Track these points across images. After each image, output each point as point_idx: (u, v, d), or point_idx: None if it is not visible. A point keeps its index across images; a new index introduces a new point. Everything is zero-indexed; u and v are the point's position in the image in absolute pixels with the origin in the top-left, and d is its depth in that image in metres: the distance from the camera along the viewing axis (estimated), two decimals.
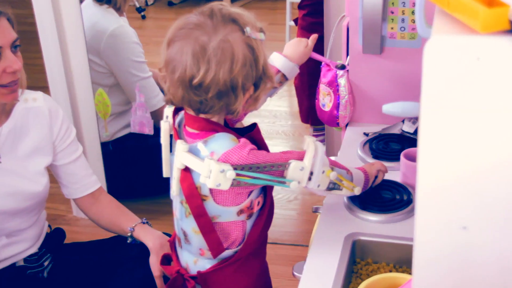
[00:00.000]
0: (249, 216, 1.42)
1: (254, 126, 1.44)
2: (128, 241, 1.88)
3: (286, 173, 1.34)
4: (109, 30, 2.70)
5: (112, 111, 2.80)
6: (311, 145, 1.36)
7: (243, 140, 1.34)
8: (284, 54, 1.69)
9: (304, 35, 3.14)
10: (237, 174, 1.29)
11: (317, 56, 1.81)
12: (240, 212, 1.40)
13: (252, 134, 1.41)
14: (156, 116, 2.74)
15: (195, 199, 1.37)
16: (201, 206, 1.38)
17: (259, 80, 1.35)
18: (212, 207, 1.39)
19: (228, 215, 1.40)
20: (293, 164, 1.33)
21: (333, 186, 1.43)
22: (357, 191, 1.49)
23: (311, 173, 1.35)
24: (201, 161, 1.31)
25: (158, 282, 1.79)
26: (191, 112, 1.38)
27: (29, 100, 1.80)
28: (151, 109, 2.77)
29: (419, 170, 0.90)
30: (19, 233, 1.84)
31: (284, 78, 1.69)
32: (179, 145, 1.36)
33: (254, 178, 1.31)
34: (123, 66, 2.75)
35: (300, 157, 1.36)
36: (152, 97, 2.76)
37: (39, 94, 1.84)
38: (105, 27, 2.70)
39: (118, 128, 2.89)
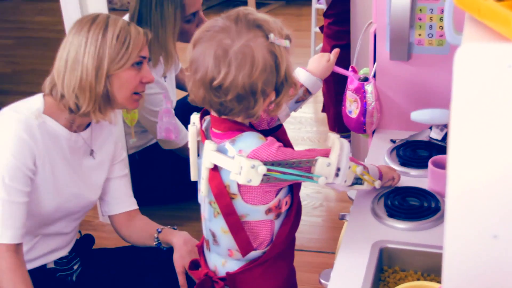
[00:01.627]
0: (277, 216, 1.43)
1: (279, 126, 1.48)
2: (154, 243, 1.90)
3: (313, 169, 1.37)
4: None
5: (138, 128, 2.81)
6: (336, 141, 1.40)
7: (270, 138, 1.37)
8: (307, 69, 1.72)
9: (330, 43, 3.15)
10: (268, 169, 1.32)
11: (339, 70, 1.82)
12: (269, 211, 1.41)
13: (277, 134, 1.44)
14: (183, 151, 2.75)
15: (223, 197, 1.39)
16: (230, 205, 1.40)
17: (281, 86, 1.36)
18: (240, 205, 1.40)
19: (257, 214, 1.42)
20: (320, 160, 1.37)
21: (355, 181, 1.49)
22: (378, 184, 1.55)
23: (338, 169, 1.39)
24: (230, 159, 1.34)
25: (181, 278, 1.80)
26: (215, 114, 1.40)
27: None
28: (176, 146, 2.78)
29: (449, 177, 0.89)
30: (58, 236, 1.87)
31: (308, 92, 1.71)
32: (208, 144, 1.38)
33: (284, 173, 1.34)
34: (143, 113, 2.74)
35: (326, 154, 1.40)
36: (178, 134, 2.76)
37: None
38: None
39: (145, 141, 2.91)
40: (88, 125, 1.84)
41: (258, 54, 1.31)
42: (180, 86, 3.06)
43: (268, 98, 1.36)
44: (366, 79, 1.86)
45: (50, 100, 1.74)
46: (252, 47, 1.30)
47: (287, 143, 1.45)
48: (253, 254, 1.46)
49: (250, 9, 1.38)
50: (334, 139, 1.40)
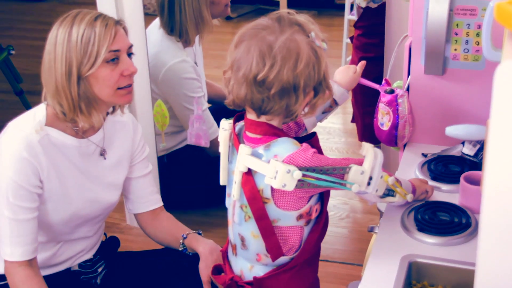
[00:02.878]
0: (307, 223, 1.44)
1: (313, 134, 1.49)
2: (180, 249, 1.90)
3: (346, 177, 1.38)
4: (169, 64, 2.72)
5: (169, 129, 2.84)
6: (370, 150, 1.40)
7: (305, 144, 1.39)
8: (334, 80, 1.73)
9: (358, 54, 3.15)
10: (303, 175, 1.33)
11: (366, 82, 1.83)
12: (300, 217, 1.42)
13: (311, 141, 1.44)
14: (211, 146, 2.77)
15: (257, 201, 1.40)
16: (263, 209, 1.41)
17: (319, 86, 1.39)
18: (272, 210, 1.41)
19: (288, 219, 1.43)
20: (354, 168, 1.38)
21: (387, 193, 1.48)
22: (410, 198, 1.54)
23: (370, 178, 1.39)
24: (265, 163, 1.35)
25: (206, 287, 1.81)
26: (253, 116, 1.41)
27: (117, 114, 1.87)
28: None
29: (485, 194, 0.89)
30: (82, 240, 1.89)
31: (335, 103, 1.73)
32: (243, 148, 1.39)
33: (318, 179, 1.35)
34: (178, 100, 2.78)
35: (359, 163, 1.40)
36: (207, 128, 2.78)
37: (125, 110, 1.92)
38: (166, 60, 2.73)
39: (174, 144, 2.93)
40: (101, 126, 1.82)
41: (303, 48, 1.35)
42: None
43: (307, 96, 1.38)
44: (392, 92, 1.84)
45: (51, 110, 1.73)
46: (297, 41, 1.35)
47: (319, 151, 1.45)
48: (281, 259, 1.47)
49: (291, 11, 1.42)
50: (368, 148, 1.41)
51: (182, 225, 1.98)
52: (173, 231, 1.95)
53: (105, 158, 1.84)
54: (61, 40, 1.66)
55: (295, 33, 1.36)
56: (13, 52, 4.03)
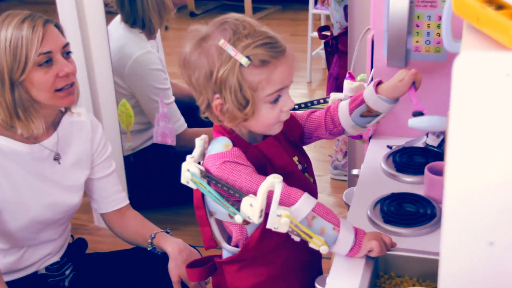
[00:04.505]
0: (247, 222, 1.37)
1: (265, 138, 1.46)
2: (149, 249, 1.89)
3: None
4: (134, 56, 2.71)
5: (134, 127, 2.82)
6: (265, 185, 1.29)
7: (233, 149, 1.38)
8: (378, 85, 1.57)
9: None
10: (192, 178, 1.37)
11: (412, 96, 1.55)
12: (231, 217, 1.39)
13: (258, 145, 1.43)
14: (178, 141, 2.76)
15: (197, 192, 1.43)
16: (200, 200, 1.45)
17: (228, 94, 1.34)
18: (210, 202, 1.44)
19: (222, 215, 1.45)
20: (245, 199, 1.31)
21: (297, 233, 1.33)
22: (323, 250, 1.34)
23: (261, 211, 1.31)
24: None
25: (176, 287, 1.80)
26: None
27: (74, 114, 1.83)
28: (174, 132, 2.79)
29: (447, 184, 0.90)
30: (47, 243, 1.86)
31: (371, 109, 1.56)
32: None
33: (208, 190, 1.37)
34: (145, 92, 2.77)
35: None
36: (173, 122, 2.77)
37: (82, 109, 1.88)
38: (131, 52, 2.72)
39: (140, 142, 2.91)
40: (55, 129, 1.80)
41: (202, 56, 1.36)
42: None
43: (215, 100, 1.37)
44: (420, 114, 1.57)
45: None
46: (201, 48, 1.36)
47: (272, 156, 1.44)
48: (235, 250, 1.48)
49: (240, 17, 1.39)
50: (267, 180, 1.30)
51: (150, 223, 1.96)
52: (140, 230, 1.94)
53: (59, 163, 1.81)
54: None
55: (204, 40, 1.36)
56: None
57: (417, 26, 1.76)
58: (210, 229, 1.46)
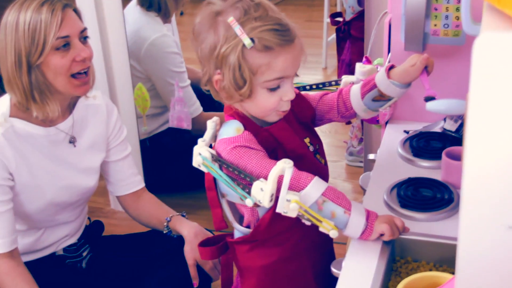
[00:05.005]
0: (257, 205, 1.37)
1: (275, 122, 1.45)
2: (165, 232, 1.90)
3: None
4: (151, 39, 2.72)
5: (150, 111, 2.82)
6: (276, 170, 1.29)
7: (244, 133, 1.39)
8: (390, 69, 1.55)
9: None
10: (204, 162, 1.37)
11: (424, 80, 1.54)
12: (242, 199, 1.39)
13: (269, 128, 1.43)
14: (194, 124, 2.77)
15: (208, 174, 1.43)
16: (211, 181, 1.45)
17: (227, 69, 1.35)
18: (221, 184, 1.44)
19: (234, 198, 1.44)
20: (256, 183, 1.31)
21: (308, 218, 1.33)
22: (332, 234, 1.32)
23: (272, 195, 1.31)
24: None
25: (192, 270, 1.81)
26: None
27: (90, 98, 1.84)
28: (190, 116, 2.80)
29: (465, 168, 0.89)
30: (64, 225, 1.88)
31: (383, 94, 1.54)
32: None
33: (219, 174, 1.37)
34: (161, 75, 2.77)
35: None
36: (189, 106, 2.77)
37: (98, 92, 1.89)
38: (147, 35, 2.72)
39: (156, 126, 2.92)
40: (71, 113, 1.81)
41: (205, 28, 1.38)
42: None
43: (215, 75, 1.38)
44: (431, 99, 1.58)
45: (14, 100, 1.70)
46: (205, 20, 1.38)
47: (283, 140, 1.44)
48: (246, 230, 1.48)
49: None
50: (277, 165, 1.29)
51: (166, 206, 1.97)
52: (156, 213, 1.95)
53: (74, 146, 1.82)
54: (10, 29, 1.63)
55: (216, 14, 1.36)
56: None
57: (435, 9, 1.74)
58: (221, 210, 1.47)
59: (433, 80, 1.84)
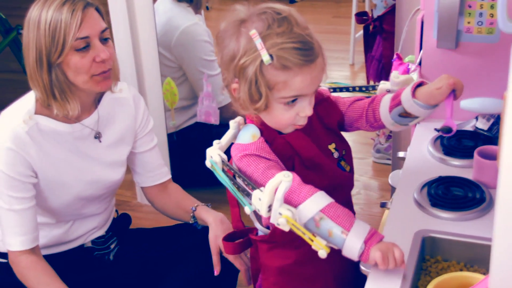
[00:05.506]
0: (256, 213, 1.36)
1: (295, 130, 1.43)
2: (190, 222, 1.91)
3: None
4: (182, 27, 2.73)
5: (179, 104, 2.83)
6: (273, 182, 1.26)
7: (258, 141, 1.38)
8: (416, 88, 1.48)
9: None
10: (211, 166, 1.39)
11: (448, 106, 1.46)
12: (243, 205, 1.39)
13: (286, 136, 1.42)
14: (222, 112, 2.77)
15: (230, 173, 1.43)
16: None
17: (243, 81, 1.34)
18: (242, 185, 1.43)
19: None
20: (255, 192, 1.29)
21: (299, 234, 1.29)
22: (321, 254, 1.27)
23: (269, 207, 1.28)
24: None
25: (215, 258, 1.81)
26: None
27: (116, 91, 1.84)
28: (218, 105, 2.80)
29: (502, 168, 0.88)
30: (92, 218, 1.89)
31: (407, 112, 1.48)
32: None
33: (224, 179, 1.38)
34: (192, 63, 2.78)
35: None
36: (219, 94, 2.78)
37: (124, 85, 1.89)
38: (178, 24, 2.74)
39: (183, 120, 2.93)
40: (96, 108, 1.80)
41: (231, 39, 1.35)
42: None
43: (231, 84, 1.37)
44: (449, 131, 1.53)
45: (38, 96, 1.71)
46: (230, 30, 1.36)
47: (300, 149, 1.41)
48: (266, 231, 1.48)
49: (293, 13, 1.36)
50: (277, 175, 1.26)
51: (191, 197, 1.98)
52: (182, 203, 1.96)
53: (100, 141, 1.82)
54: (33, 26, 1.63)
55: (239, 23, 1.34)
56: (21, 31, 4.03)
57: (469, 6, 1.72)
58: (239, 210, 1.47)
59: (465, 78, 1.82)
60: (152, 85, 2.76)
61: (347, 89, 1.73)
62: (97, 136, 1.81)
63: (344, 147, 1.52)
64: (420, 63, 1.86)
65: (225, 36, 1.37)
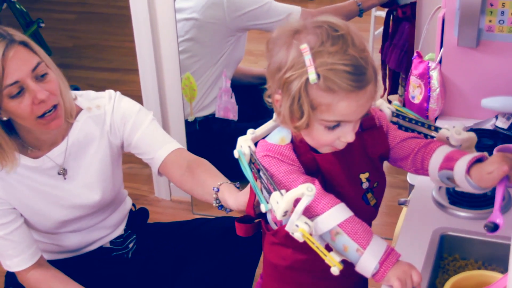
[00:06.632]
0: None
1: (328, 153, 1.35)
2: (215, 205, 1.69)
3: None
4: None
5: (198, 94, 2.82)
6: (299, 189, 1.22)
7: (285, 146, 1.32)
8: (470, 167, 1.30)
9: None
10: (239, 156, 1.35)
11: (499, 193, 1.28)
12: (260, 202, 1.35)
13: (316, 155, 1.34)
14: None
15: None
16: None
17: (289, 92, 1.25)
18: None
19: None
20: (274, 194, 1.25)
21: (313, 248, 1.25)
22: (333, 271, 1.23)
23: (285, 212, 1.24)
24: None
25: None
26: None
27: (93, 109, 1.74)
28: None
29: None
30: (101, 223, 1.88)
31: (455, 182, 1.34)
32: None
33: (247, 172, 1.33)
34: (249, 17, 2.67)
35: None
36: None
37: (101, 100, 1.76)
38: None
39: (204, 114, 2.90)
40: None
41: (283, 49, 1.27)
42: None
43: (274, 95, 1.30)
44: (495, 229, 1.27)
45: None
46: (283, 40, 1.27)
47: (326, 173, 1.35)
48: (274, 226, 1.46)
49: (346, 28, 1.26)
50: (300, 186, 1.21)
51: (217, 172, 1.78)
52: (206, 183, 1.73)
53: (65, 179, 1.72)
54: None
55: (292, 33, 1.26)
56: (42, 25, 4.06)
57: (491, 5, 1.71)
58: (254, 198, 1.42)
59: (485, 76, 1.81)
60: (172, 80, 2.76)
61: (410, 120, 1.51)
62: (61, 173, 1.73)
63: (378, 179, 1.43)
64: (440, 61, 1.86)
65: (275, 44, 1.28)
